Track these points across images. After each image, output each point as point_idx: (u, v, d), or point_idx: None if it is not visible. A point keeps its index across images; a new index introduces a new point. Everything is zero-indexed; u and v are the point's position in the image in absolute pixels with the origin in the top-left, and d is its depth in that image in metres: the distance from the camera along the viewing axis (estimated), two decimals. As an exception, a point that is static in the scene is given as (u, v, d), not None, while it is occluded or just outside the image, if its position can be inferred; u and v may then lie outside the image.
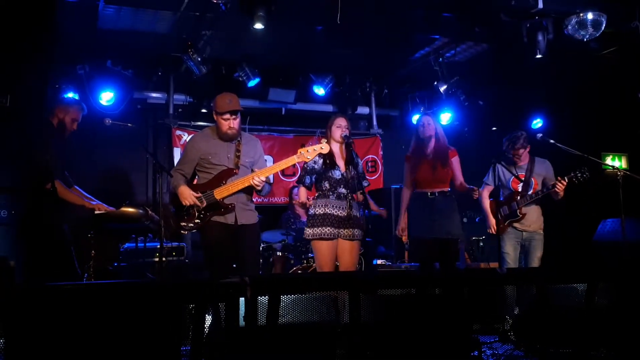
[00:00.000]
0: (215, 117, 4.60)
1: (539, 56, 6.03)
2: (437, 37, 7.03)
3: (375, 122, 9.08)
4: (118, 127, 5.18)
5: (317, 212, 4.81)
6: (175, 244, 6.55)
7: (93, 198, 5.09)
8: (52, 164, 4.49)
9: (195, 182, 4.66)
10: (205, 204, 4.48)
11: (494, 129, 5.86)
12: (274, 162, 8.04)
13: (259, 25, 5.51)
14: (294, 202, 7.66)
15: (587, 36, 5.87)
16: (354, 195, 4.92)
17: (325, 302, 3.35)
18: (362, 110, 8.94)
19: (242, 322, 3.08)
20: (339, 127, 4.92)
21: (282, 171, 8.22)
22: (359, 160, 5.11)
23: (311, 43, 7.04)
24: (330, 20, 5.52)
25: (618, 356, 3.84)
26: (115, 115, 6.82)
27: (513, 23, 6.07)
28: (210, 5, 5.66)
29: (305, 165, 4.90)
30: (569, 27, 5.87)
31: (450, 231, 5.23)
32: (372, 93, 8.93)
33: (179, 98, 7.97)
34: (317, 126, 8.23)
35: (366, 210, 4.84)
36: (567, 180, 5.32)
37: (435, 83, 7.68)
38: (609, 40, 6.41)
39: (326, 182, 4.87)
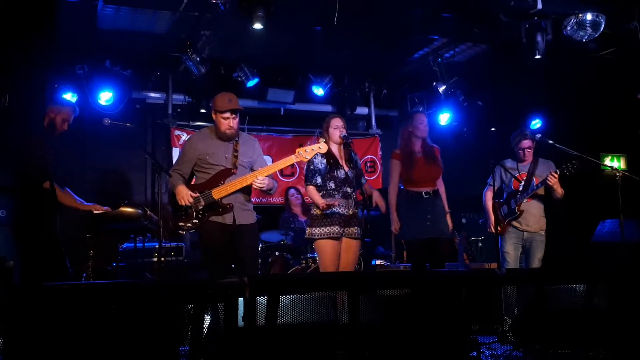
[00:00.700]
0: (214, 116, 4.60)
1: (537, 57, 6.03)
2: (436, 37, 7.03)
3: (374, 123, 9.07)
4: (117, 127, 5.17)
5: (324, 212, 4.80)
6: (174, 244, 6.54)
7: (83, 201, 5.08)
8: (50, 164, 4.49)
9: (193, 182, 4.65)
10: (203, 204, 4.47)
11: (493, 129, 5.87)
12: (272, 162, 8.03)
13: (257, 26, 5.51)
14: (291, 204, 7.66)
15: (586, 37, 5.87)
16: (356, 194, 4.95)
17: (324, 302, 3.35)
18: (361, 110, 8.94)
19: (240, 323, 3.08)
20: (337, 128, 4.94)
21: (281, 171, 8.21)
22: (358, 159, 5.14)
23: (310, 43, 7.04)
24: (329, 21, 5.51)
25: (617, 357, 3.84)
26: (114, 115, 6.82)
27: (512, 24, 6.07)
28: (209, 5, 5.66)
29: (312, 167, 4.88)
30: (568, 28, 5.88)
31: (444, 230, 5.27)
32: (371, 93, 8.93)
33: (178, 98, 7.97)
34: (316, 126, 8.17)
35: (365, 210, 4.85)
36: (558, 173, 5.33)
37: (434, 83, 7.67)
38: (608, 41, 6.41)
39: (331, 182, 4.88)
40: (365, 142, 9.03)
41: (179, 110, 8.03)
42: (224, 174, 4.53)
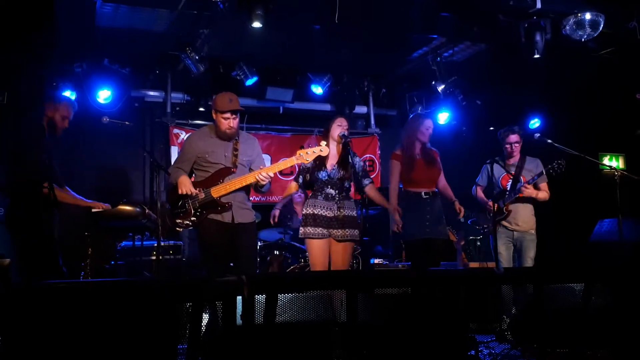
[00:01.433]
0: (214, 115, 4.60)
1: (536, 56, 6.03)
2: (435, 36, 7.02)
3: (373, 122, 9.07)
4: (115, 126, 5.17)
5: (307, 212, 4.89)
6: (172, 242, 6.54)
7: (84, 199, 5.07)
8: (48, 163, 4.48)
9: (192, 180, 4.65)
10: (202, 197, 4.48)
11: (492, 128, 5.85)
12: (271, 161, 8.04)
13: (257, 24, 5.50)
14: (292, 201, 7.65)
15: (585, 36, 5.87)
16: (349, 194, 4.95)
17: (323, 301, 3.36)
18: (360, 109, 8.94)
19: (239, 321, 3.08)
20: (340, 126, 4.96)
21: (280, 170, 8.19)
22: (357, 160, 5.09)
23: (309, 42, 7.03)
24: (328, 20, 5.50)
25: (615, 356, 3.85)
26: (113, 113, 6.79)
27: (511, 23, 6.06)
28: (209, 3, 5.64)
29: (302, 165, 4.95)
30: (567, 28, 5.87)
31: (443, 231, 5.31)
32: (370, 92, 8.93)
33: (177, 96, 7.95)
34: (315, 125, 8.26)
35: (364, 209, 4.86)
36: (544, 174, 5.42)
37: (433, 83, 7.67)
38: (607, 41, 6.41)
39: (315, 183, 4.93)
40: (364, 141, 9.02)
41: (177, 108, 8.02)
42: (223, 173, 4.53)
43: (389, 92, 9.01)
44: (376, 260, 7.07)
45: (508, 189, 5.60)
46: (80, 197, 5.05)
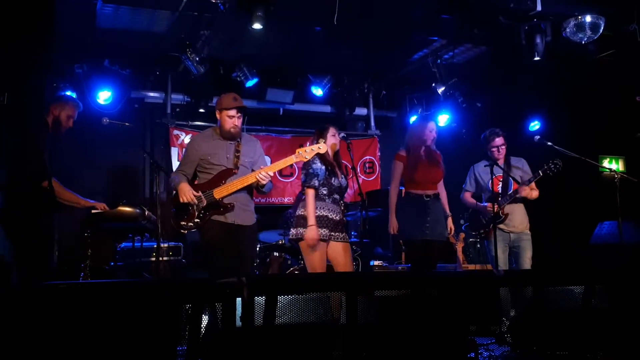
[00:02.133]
0: (218, 115, 4.65)
1: (537, 58, 6.03)
2: (436, 38, 7.03)
3: (373, 123, 9.06)
4: (115, 127, 5.18)
5: (319, 214, 4.81)
6: (172, 243, 6.54)
7: (85, 198, 5.07)
8: (48, 162, 4.48)
9: (195, 182, 4.68)
10: (205, 203, 4.51)
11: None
12: (271, 163, 8.02)
13: (257, 26, 5.51)
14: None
15: (585, 39, 5.87)
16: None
17: (322, 302, 3.35)
18: (360, 111, 8.93)
19: (238, 323, 3.07)
20: (334, 136, 4.99)
21: (280, 171, 8.20)
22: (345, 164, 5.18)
23: (309, 44, 7.03)
24: (329, 21, 5.51)
25: (615, 359, 3.85)
26: (113, 114, 6.79)
27: (511, 25, 6.06)
28: (209, 5, 5.65)
29: (311, 170, 4.84)
30: (567, 30, 5.87)
31: (443, 233, 5.32)
32: (370, 94, 8.92)
33: (177, 98, 7.95)
34: (315, 127, 8.19)
35: (364, 212, 4.87)
36: (541, 174, 5.40)
37: (433, 85, 7.67)
38: (607, 43, 6.41)
39: (324, 188, 4.91)
40: (364, 143, 9.02)
41: (177, 109, 8.02)
42: (225, 174, 4.57)
43: (389, 93, 9.01)
44: (376, 262, 7.07)
45: (500, 191, 5.60)
46: (81, 197, 5.05)
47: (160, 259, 5.81)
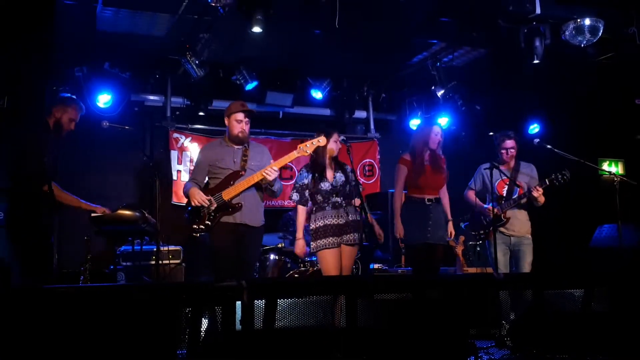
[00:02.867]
0: (227, 121, 4.89)
1: (536, 61, 6.03)
2: (435, 41, 7.03)
3: (372, 126, 9.06)
4: (115, 130, 5.21)
5: (318, 225, 4.95)
6: (172, 246, 6.54)
7: (85, 201, 5.08)
8: (48, 165, 4.47)
9: (207, 189, 4.89)
10: (215, 206, 4.71)
11: (491, 133, 5.87)
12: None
13: (257, 29, 5.51)
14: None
15: (585, 42, 5.87)
16: (350, 201, 4.98)
17: (322, 306, 3.35)
18: (360, 114, 8.93)
19: (238, 326, 3.07)
20: (336, 142, 5.08)
21: (279, 174, 8.18)
22: (348, 167, 5.16)
23: (309, 47, 7.04)
24: (329, 24, 5.51)
25: (614, 362, 3.85)
26: (113, 117, 6.80)
27: (511, 28, 6.07)
28: (209, 8, 5.65)
29: (297, 185, 5.05)
30: (567, 33, 5.88)
31: (444, 237, 5.33)
32: (369, 97, 8.92)
33: (177, 101, 7.95)
34: (315, 130, 8.18)
35: (364, 214, 4.87)
36: (548, 183, 5.37)
37: (433, 87, 7.67)
38: (607, 46, 6.42)
39: (318, 195, 4.98)
40: (364, 146, 9.02)
41: (177, 113, 8.02)
42: (233, 176, 4.79)
43: (389, 96, 9.00)
44: (376, 265, 7.06)
45: (504, 195, 5.59)
46: (82, 200, 5.05)
47: (160, 262, 5.80)
